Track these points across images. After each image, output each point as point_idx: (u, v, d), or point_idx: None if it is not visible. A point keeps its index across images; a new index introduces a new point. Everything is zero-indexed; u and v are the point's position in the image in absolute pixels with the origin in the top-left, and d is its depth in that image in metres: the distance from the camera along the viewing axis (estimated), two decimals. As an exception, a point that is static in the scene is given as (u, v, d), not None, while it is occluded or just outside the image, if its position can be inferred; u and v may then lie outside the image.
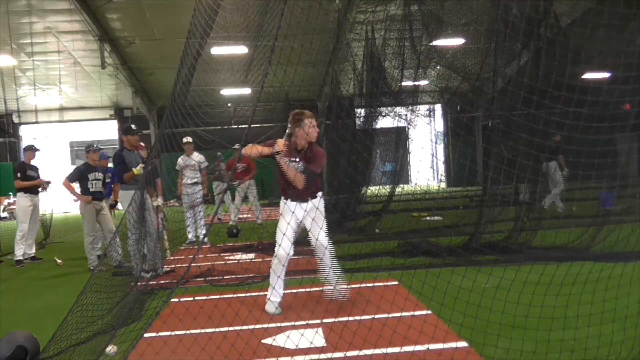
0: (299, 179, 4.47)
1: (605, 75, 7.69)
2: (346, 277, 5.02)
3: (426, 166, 14.63)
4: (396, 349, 3.46)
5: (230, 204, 14.26)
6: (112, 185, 8.59)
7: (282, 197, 4.75)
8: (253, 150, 4.42)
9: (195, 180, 9.27)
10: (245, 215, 13.87)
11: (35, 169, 8.75)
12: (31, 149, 8.81)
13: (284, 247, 4.53)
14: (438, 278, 4.04)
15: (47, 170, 10.70)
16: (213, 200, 11.88)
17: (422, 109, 17.84)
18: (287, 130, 4.60)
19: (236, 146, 11.54)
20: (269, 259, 6.89)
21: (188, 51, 5.48)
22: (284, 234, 4.52)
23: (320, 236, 4.62)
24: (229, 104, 21.44)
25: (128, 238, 6.17)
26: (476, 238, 6.95)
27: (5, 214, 20.56)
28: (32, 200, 8.61)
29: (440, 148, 25.79)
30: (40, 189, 8.77)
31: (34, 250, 8.92)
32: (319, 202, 4.71)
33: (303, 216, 4.71)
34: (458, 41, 11.19)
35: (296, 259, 5.08)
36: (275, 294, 4.59)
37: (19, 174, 8.48)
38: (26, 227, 8.47)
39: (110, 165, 8.39)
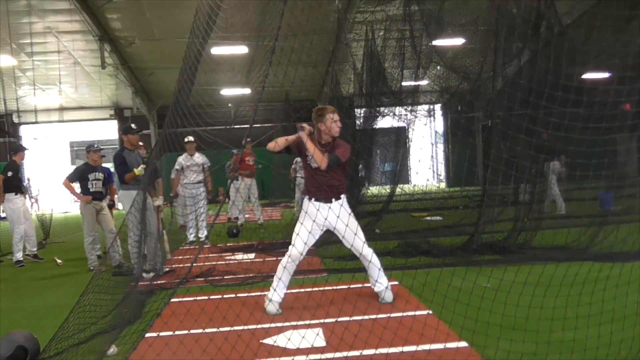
0: (321, 158, 4.47)
1: (607, 75, 7.67)
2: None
3: (426, 166, 14.64)
4: (397, 350, 3.46)
5: (232, 204, 14.23)
6: (107, 185, 8.52)
7: (307, 197, 4.72)
8: (279, 142, 4.64)
9: (198, 180, 9.25)
10: (246, 215, 13.87)
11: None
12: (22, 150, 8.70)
13: (298, 247, 4.56)
14: (439, 280, 4.04)
15: (47, 170, 10.63)
16: (215, 200, 11.83)
17: (422, 109, 17.85)
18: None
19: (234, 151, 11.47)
20: (269, 259, 6.93)
21: (190, 51, 5.48)
22: (298, 234, 4.55)
23: (355, 243, 4.63)
24: (229, 104, 21.43)
25: (129, 238, 6.17)
26: (476, 238, 6.95)
27: (4, 214, 20.49)
28: (22, 200, 8.53)
29: (440, 148, 25.76)
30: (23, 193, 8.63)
31: (36, 248, 8.91)
32: (342, 203, 4.67)
33: (332, 219, 4.63)
34: (458, 41, 11.18)
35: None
36: (276, 295, 4.60)
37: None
38: (23, 228, 8.40)
39: (104, 165, 8.29)
